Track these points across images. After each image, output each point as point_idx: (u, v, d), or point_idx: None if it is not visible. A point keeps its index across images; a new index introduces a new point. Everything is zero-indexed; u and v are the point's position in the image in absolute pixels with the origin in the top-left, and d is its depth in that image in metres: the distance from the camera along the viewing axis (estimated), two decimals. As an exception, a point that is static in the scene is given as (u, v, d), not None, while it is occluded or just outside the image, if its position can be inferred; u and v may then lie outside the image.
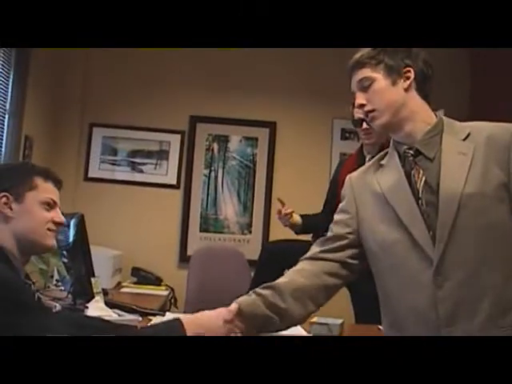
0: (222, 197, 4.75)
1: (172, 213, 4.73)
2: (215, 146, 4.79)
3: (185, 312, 3.79)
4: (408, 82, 1.82)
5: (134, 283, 4.11)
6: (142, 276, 4.17)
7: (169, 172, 4.74)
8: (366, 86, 1.86)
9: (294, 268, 1.99)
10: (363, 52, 1.89)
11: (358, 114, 3.24)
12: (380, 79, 1.83)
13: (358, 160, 3.34)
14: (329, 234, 2.03)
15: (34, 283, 1.93)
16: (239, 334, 1.74)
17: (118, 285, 4.08)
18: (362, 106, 1.87)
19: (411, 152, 1.80)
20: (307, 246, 3.32)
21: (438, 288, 1.66)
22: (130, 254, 4.42)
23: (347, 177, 2.07)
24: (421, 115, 1.83)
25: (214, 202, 4.75)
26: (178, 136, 4.77)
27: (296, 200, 4.58)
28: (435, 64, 5.16)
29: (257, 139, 4.81)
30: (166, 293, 4.05)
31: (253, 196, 4.77)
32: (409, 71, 1.82)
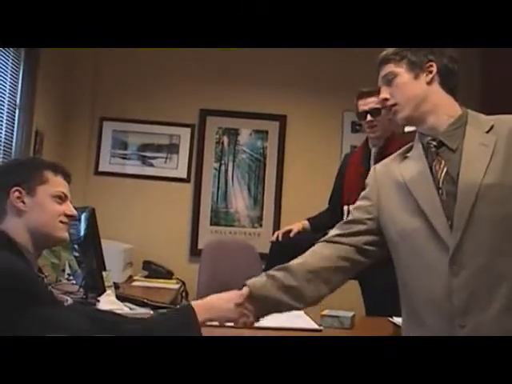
0: (232, 190, 4.75)
1: (182, 206, 4.73)
2: (225, 140, 4.78)
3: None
4: (430, 75, 1.84)
5: (145, 277, 4.11)
6: (153, 269, 4.17)
7: (179, 166, 4.74)
8: (389, 80, 1.90)
9: (309, 250, 2.03)
10: (389, 49, 1.92)
11: (363, 106, 3.25)
12: (403, 73, 1.87)
13: (364, 153, 3.34)
14: (348, 217, 2.07)
15: (46, 277, 1.94)
16: (250, 318, 1.76)
17: (130, 278, 4.09)
18: (385, 100, 1.91)
19: (434, 143, 1.82)
20: (316, 238, 3.33)
21: (454, 276, 1.67)
22: (140, 247, 4.43)
23: (372, 167, 2.13)
24: (444, 108, 1.83)
25: (225, 195, 4.75)
26: (188, 129, 4.77)
27: (306, 193, 4.61)
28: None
29: (267, 132, 4.80)
30: (177, 286, 4.05)
31: (263, 189, 4.76)
32: (431, 65, 1.84)
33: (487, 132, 1.75)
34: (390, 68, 1.90)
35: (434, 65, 1.84)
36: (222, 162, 4.76)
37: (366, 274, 3.19)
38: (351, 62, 4.80)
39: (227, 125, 4.78)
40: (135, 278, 4.10)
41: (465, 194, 1.70)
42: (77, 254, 2.69)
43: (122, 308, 2.32)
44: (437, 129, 1.82)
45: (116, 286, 2.82)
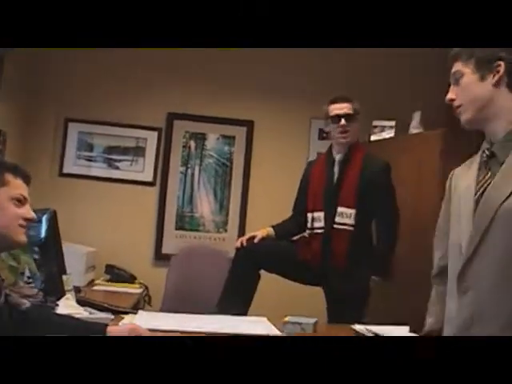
0: (198, 195, 4.73)
1: (147, 210, 4.69)
2: (192, 144, 4.76)
3: (161, 310, 3.78)
4: (497, 76, 1.73)
5: (108, 281, 4.07)
6: (116, 273, 4.13)
7: (145, 169, 4.70)
8: (457, 79, 1.84)
9: None
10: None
11: (338, 110, 3.27)
12: (468, 73, 1.79)
13: (328, 160, 3.36)
14: None
15: (3, 280, 1.90)
16: None
17: (92, 282, 4.03)
18: (451, 100, 1.85)
19: (487, 152, 1.76)
20: (281, 245, 3.36)
21: (462, 294, 1.68)
22: (104, 251, 4.37)
23: (452, 171, 2.05)
24: (508, 114, 1.73)
25: (190, 199, 4.72)
26: (155, 133, 4.73)
27: (272, 199, 4.61)
28: (415, 67, 5.20)
29: (234, 138, 4.80)
30: (139, 291, 4.02)
31: (229, 194, 4.75)
32: (499, 65, 1.73)
33: None
34: (458, 67, 1.83)
35: (503, 64, 1.72)
36: (189, 166, 4.74)
37: (329, 281, 3.23)
38: (319, 69, 4.83)
39: (194, 129, 4.76)
40: (97, 281, 4.05)
41: (480, 217, 1.66)
42: (37, 257, 2.65)
43: (81, 312, 2.29)
44: (496, 135, 1.75)
45: (77, 289, 2.79)
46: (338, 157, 3.33)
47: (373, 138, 4.65)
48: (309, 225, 3.34)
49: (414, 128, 4.46)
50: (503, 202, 1.62)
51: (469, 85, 1.79)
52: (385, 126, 4.62)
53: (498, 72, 1.73)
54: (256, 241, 3.24)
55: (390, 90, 4.90)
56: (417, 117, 4.49)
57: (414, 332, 2.26)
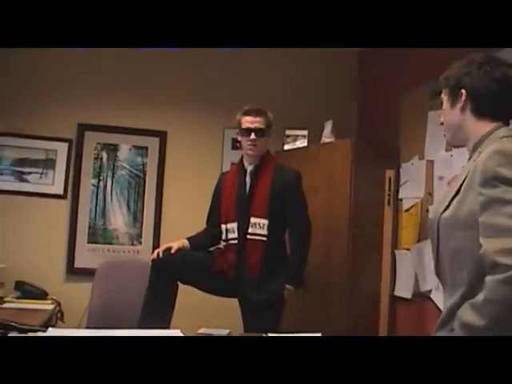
0: (111, 207, 4.65)
1: (59, 224, 4.56)
2: (104, 155, 4.67)
3: (87, 327, 3.67)
4: (462, 103, 1.86)
5: (18, 298, 3.94)
6: (26, 290, 4.01)
7: (55, 181, 4.58)
8: (442, 105, 1.96)
9: None
10: (445, 72, 1.95)
11: (249, 124, 3.29)
12: (445, 100, 1.93)
13: (239, 171, 3.38)
14: None
15: None
16: None
17: (0, 300, 3.89)
18: (441, 123, 1.97)
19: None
20: (197, 256, 3.34)
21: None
22: (13, 267, 4.21)
23: None
24: (475, 137, 1.84)
25: (103, 212, 4.63)
26: (66, 144, 4.61)
27: (186, 210, 4.59)
28: (325, 77, 5.32)
29: (147, 148, 4.75)
30: (51, 307, 3.91)
31: (143, 206, 4.69)
32: (462, 93, 1.85)
33: (474, 161, 1.75)
34: (442, 93, 1.95)
35: (464, 92, 1.84)
36: (101, 178, 4.65)
37: (244, 292, 3.24)
38: (232, 79, 4.85)
39: (106, 140, 4.68)
40: (6, 299, 3.91)
41: (431, 229, 1.85)
42: None
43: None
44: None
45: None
46: (249, 168, 3.35)
47: (286, 147, 4.71)
48: (223, 236, 3.34)
49: (326, 137, 4.56)
50: (442, 212, 1.78)
51: (445, 111, 1.94)
52: (298, 136, 4.70)
53: (461, 99, 1.86)
54: (172, 251, 3.21)
55: (302, 100, 4.98)
56: (328, 126, 4.59)
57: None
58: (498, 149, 1.65)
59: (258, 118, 3.30)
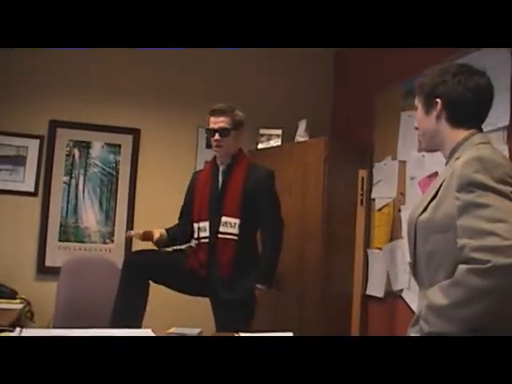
0: (82, 205, 4.59)
1: (29, 222, 4.49)
2: (76, 153, 4.62)
3: (54, 326, 3.63)
4: (437, 111, 1.89)
5: (-14, 297, 3.89)
6: (-5, 289, 3.96)
7: (26, 179, 4.51)
8: (416, 110, 1.99)
9: None
10: (419, 77, 1.98)
11: (213, 124, 3.27)
12: (420, 108, 1.96)
13: (212, 169, 3.38)
14: None
15: None
16: None
17: (-32, 300, 3.83)
18: (416, 128, 2.00)
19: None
20: (169, 255, 3.33)
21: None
22: (-19, 265, 4.16)
23: None
24: (450, 144, 1.89)
25: (75, 210, 4.58)
26: (37, 141, 4.55)
27: (159, 209, 4.55)
28: (300, 76, 5.33)
29: (120, 146, 4.71)
30: (21, 306, 3.86)
31: (115, 204, 4.65)
32: (437, 102, 1.89)
33: (451, 165, 1.81)
34: (416, 100, 1.98)
35: (439, 101, 1.88)
36: (73, 175, 4.60)
37: (215, 291, 3.23)
38: (206, 78, 4.83)
39: (78, 137, 4.62)
40: (-26, 298, 3.86)
41: (409, 231, 1.90)
42: None
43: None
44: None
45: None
46: (221, 167, 3.35)
47: (260, 146, 4.71)
48: (195, 235, 3.33)
49: (300, 136, 4.57)
50: (419, 215, 1.83)
51: (420, 118, 1.97)
52: (272, 135, 4.70)
53: (436, 108, 1.89)
54: (154, 240, 3.26)
55: (276, 99, 4.99)
56: (302, 125, 4.60)
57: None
58: (475, 156, 1.70)
59: (221, 118, 3.27)
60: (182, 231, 3.44)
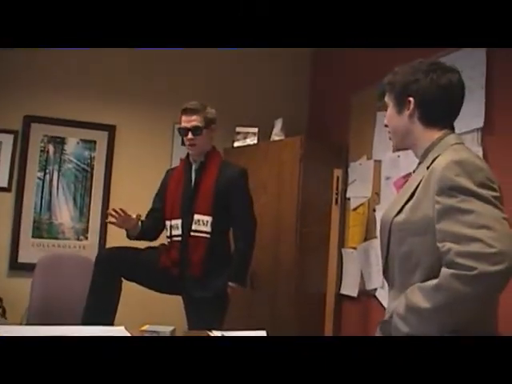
0: (56, 201, 4.55)
1: (2, 217, 4.44)
2: (51, 148, 4.58)
3: (27, 323, 3.61)
4: (409, 111, 1.87)
5: (-43, 293, 3.85)
6: (-34, 285, 3.92)
7: (-1, 174, 4.46)
8: (387, 108, 1.97)
9: None
10: (389, 75, 1.96)
11: (185, 123, 3.28)
12: (391, 106, 1.94)
13: (185, 168, 3.38)
14: None
15: None
16: None
17: None
18: (386, 125, 1.98)
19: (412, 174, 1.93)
20: (141, 253, 3.31)
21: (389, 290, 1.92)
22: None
23: None
24: (423, 143, 1.87)
25: (49, 206, 4.54)
26: (11, 136, 4.49)
27: (134, 205, 4.50)
28: (276, 74, 5.34)
29: (95, 142, 4.67)
30: (-8, 302, 3.83)
31: (90, 201, 4.62)
32: (409, 101, 1.86)
33: (427, 168, 1.78)
34: (386, 97, 1.96)
35: (412, 100, 1.86)
36: (47, 171, 4.55)
37: (187, 289, 3.23)
38: (182, 75, 4.82)
39: (53, 133, 4.58)
40: None
41: (382, 232, 1.88)
42: None
43: None
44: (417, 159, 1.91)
45: None
46: (194, 164, 3.36)
47: (236, 144, 4.71)
48: (168, 233, 3.33)
49: (276, 135, 4.58)
50: (395, 216, 1.81)
51: (391, 117, 1.95)
52: (248, 133, 4.70)
53: (409, 107, 1.87)
54: (131, 223, 3.23)
55: (252, 97, 4.99)
56: (278, 124, 4.61)
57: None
58: (455, 159, 1.68)
59: (193, 117, 3.28)
60: (154, 226, 3.43)
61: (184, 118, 3.30)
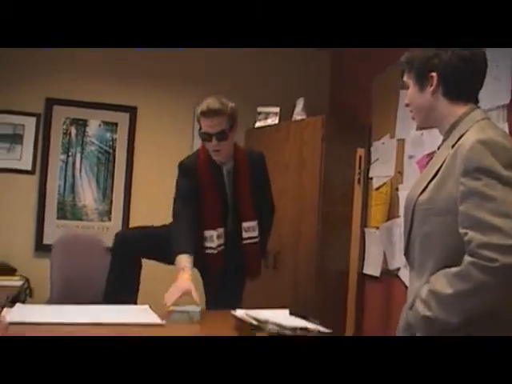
0: (80, 183, 4.59)
1: (27, 200, 4.50)
2: (73, 131, 4.61)
3: (49, 302, 3.67)
4: (433, 87, 1.82)
5: (-15, 274, 3.91)
6: (-6, 266, 3.98)
7: (23, 157, 4.50)
8: (408, 87, 1.92)
9: None
10: (406, 53, 1.91)
11: (208, 128, 2.90)
12: (411, 85, 1.89)
13: (213, 170, 3.09)
14: None
15: None
16: None
17: (-33, 276, 3.85)
18: (407, 105, 1.95)
19: (436, 151, 1.89)
20: (158, 231, 3.23)
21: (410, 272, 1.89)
22: (-20, 243, 4.17)
23: None
24: (448, 119, 1.82)
25: (72, 188, 4.58)
26: (34, 119, 4.53)
27: (156, 187, 4.56)
28: (298, 53, 5.29)
29: (116, 124, 4.69)
30: (20, 283, 3.88)
31: (112, 182, 4.65)
32: (432, 76, 1.81)
33: (453, 146, 1.74)
34: (405, 77, 1.92)
35: (435, 75, 1.80)
36: (70, 153, 4.59)
37: (208, 271, 3.18)
38: (204, 56, 4.80)
39: (75, 115, 4.61)
40: (-26, 275, 3.87)
41: (406, 211, 1.86)
42: None
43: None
44: (442, 136, 1.87)
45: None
46: (224, 168, 3.10)
47: (258, 124, 4.69)
48: (208, 243, 3.08)
49: (298, 114, 4.56)
50: (419, 195, 1.78)
51: (412, 95, 1.89)
52: (269, 113, 4.68)
53: (432, 82, 1.82)
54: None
55: (274, 77, 4.96)
56: (300, 103, 4.59)
57: (294, 315, 2.31)
58: (481, 138, 1.64)
59: (216, 121, 2.89)
60: (193, 243, 2.92)
61: (205, 121, 2.92)
